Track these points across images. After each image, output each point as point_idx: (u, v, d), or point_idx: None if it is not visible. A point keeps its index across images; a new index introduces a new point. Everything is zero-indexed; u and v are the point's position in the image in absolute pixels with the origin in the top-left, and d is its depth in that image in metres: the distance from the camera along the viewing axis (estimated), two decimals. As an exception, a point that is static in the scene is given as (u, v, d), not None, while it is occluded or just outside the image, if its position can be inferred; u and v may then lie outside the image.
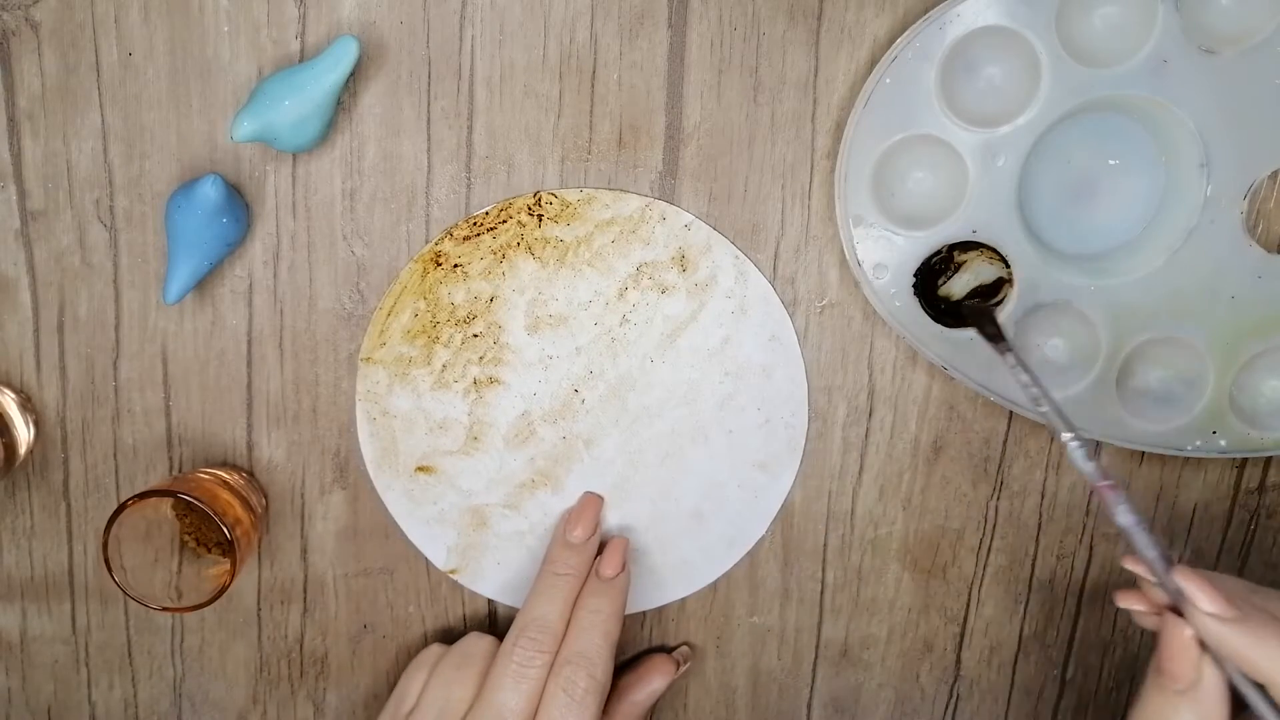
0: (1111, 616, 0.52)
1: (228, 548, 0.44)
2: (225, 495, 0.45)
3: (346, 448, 0.49)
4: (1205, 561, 0.51)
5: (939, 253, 0.45)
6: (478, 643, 0.47)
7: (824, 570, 0.51)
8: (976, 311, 0.46)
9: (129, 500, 0.43)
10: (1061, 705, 0.54)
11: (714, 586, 0.51)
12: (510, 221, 0.46)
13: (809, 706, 0.54)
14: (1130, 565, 0.41)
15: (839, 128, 0.45)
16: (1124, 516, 0.39)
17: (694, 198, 0.46)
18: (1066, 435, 0.40)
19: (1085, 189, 0.46)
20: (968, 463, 0.50)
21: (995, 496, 0.50)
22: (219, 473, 0.47)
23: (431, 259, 0.46)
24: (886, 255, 0.45)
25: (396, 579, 0.50)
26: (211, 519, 0.43)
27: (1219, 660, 0.38)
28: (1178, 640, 0.39)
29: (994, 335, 0.44)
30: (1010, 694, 0.54)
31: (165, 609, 0.44)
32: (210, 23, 0.44)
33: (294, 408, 0.48)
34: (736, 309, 0.47)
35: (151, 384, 0.47)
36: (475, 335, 0.47)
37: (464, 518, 0.49)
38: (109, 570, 0.43)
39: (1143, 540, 0.39)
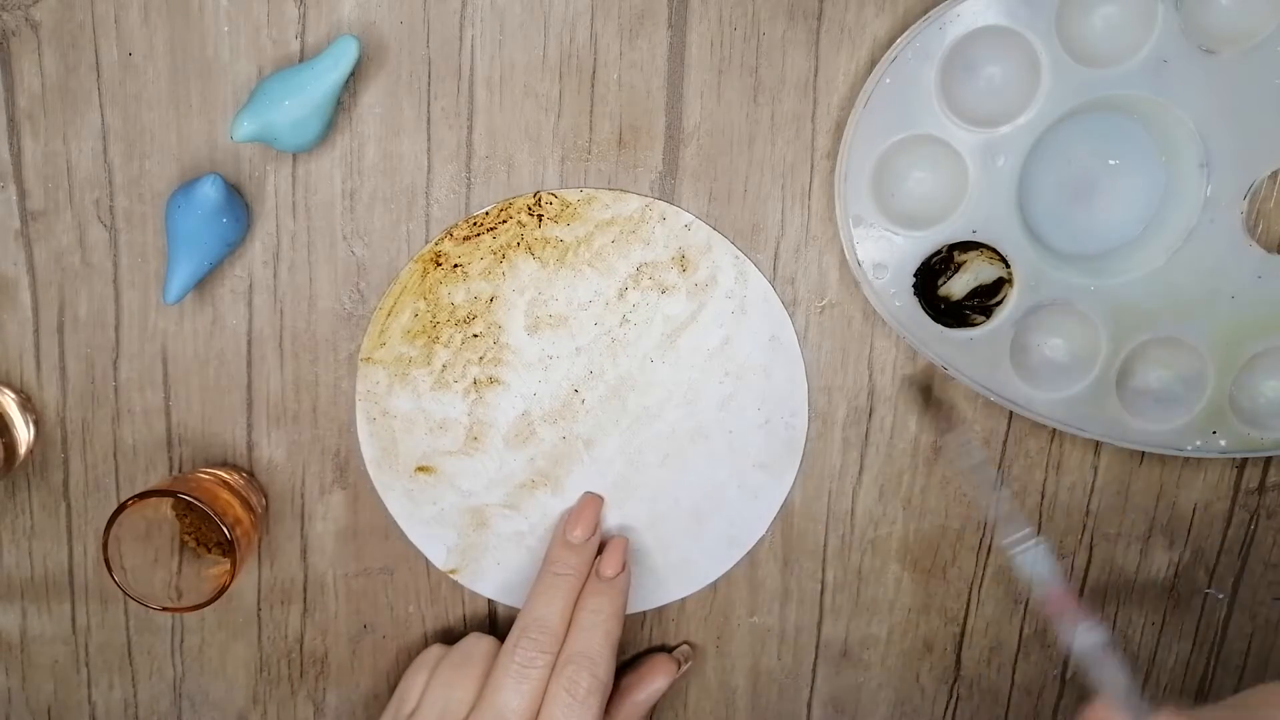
0: (1111, 616, 0.52)
1: (228, 548, 0.44)
2: (225, 495, 0.45)
3: (346, 448, 0.49)
4: (1205, 561, 0.51)
5: (939, 253, 0.45)
6: (478, 643, 0.47)
7: (824, 570, 0.51)
8: (924, 390, 0.42)
9: (129, 500, 0.43)
10: (1061, 705, 0.54)
11: (714, 586, 0.51)
12: (510, 221, 0.46)
13: (809, 706, 0.54)
14: (1100, 714, 0.32)
15: (839, 128, 0.45)
16: (1086, 637, 0.31)
17: (694, 198, 0.46)
18: (1016, 535, 0.31)
19: (1085, 189, 0.46)
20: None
21: (995, 497, 0.50)
22: (219, 473, 0.47)
23: (431, 259, 0.46)
24: (886, 255, 0.45)
25: (396, 579, 0.50)
26: (211, 519, 0.43)
27: None
28: None
29: (943, 413, 0.37)
30: (1010, 694, 0.54)
31: (165, 609, 0.44)
32: (210, 23, 0.44)
33: (294, 408, 0.48)
34: (736, 309, 0.47)
35: (151, 384, 0.47)
36: (475, 335, 0.47)
37: (464, 518, 0.49)
38: (109, 570, 0.43)
39: (1113, 673, 0.31)
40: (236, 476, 0.47)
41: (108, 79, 0.44)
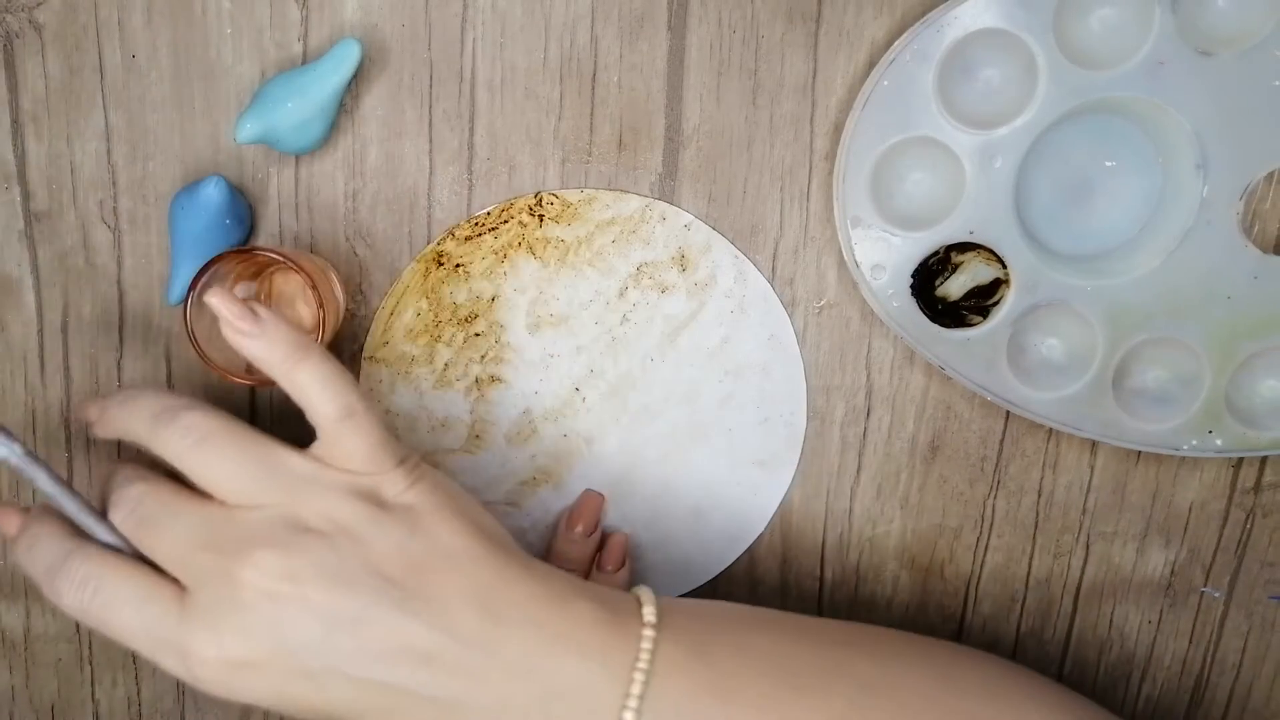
0: (1108, 615, 0.53)
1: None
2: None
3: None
4: (1201, 560, 0.52)
5: (936, 254, 0.45)
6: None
7: (822, 568, 0.51)
8: None
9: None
10: (1058, 702, 0.55)
11: (713, 584, 0.51)
12: (511, 222, 0.47)
13: (808, 703, 0.54)
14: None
15: (837, 130, 0.46)
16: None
17: (694, 199, 0.47)
18: None
19: (1082, 190, 0.46)
20: (965, 462, 0.50)
21: (992, 495, 0.50)
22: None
23: (434, 259, 0.47)
24: (884, 256, 0.45)
25: (398, 577, 0.51)
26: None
27: None
28: None
29: None
30: (1008, 691, 0.54)
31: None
32: (213, 25, 0.44)
33: (297, 407, 0.48)
34: (736, 308, 0.48)
35: (155, 384, 0.48)
36: (477, 334, 0.48)
37: (465, 516, 0.50)
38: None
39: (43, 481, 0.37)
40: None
41: (111, 81, 0.44)
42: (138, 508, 0.36)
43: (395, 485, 0.37)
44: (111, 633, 0.35)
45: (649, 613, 0.38)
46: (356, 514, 0.36)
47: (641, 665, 0.36)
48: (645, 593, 0.40)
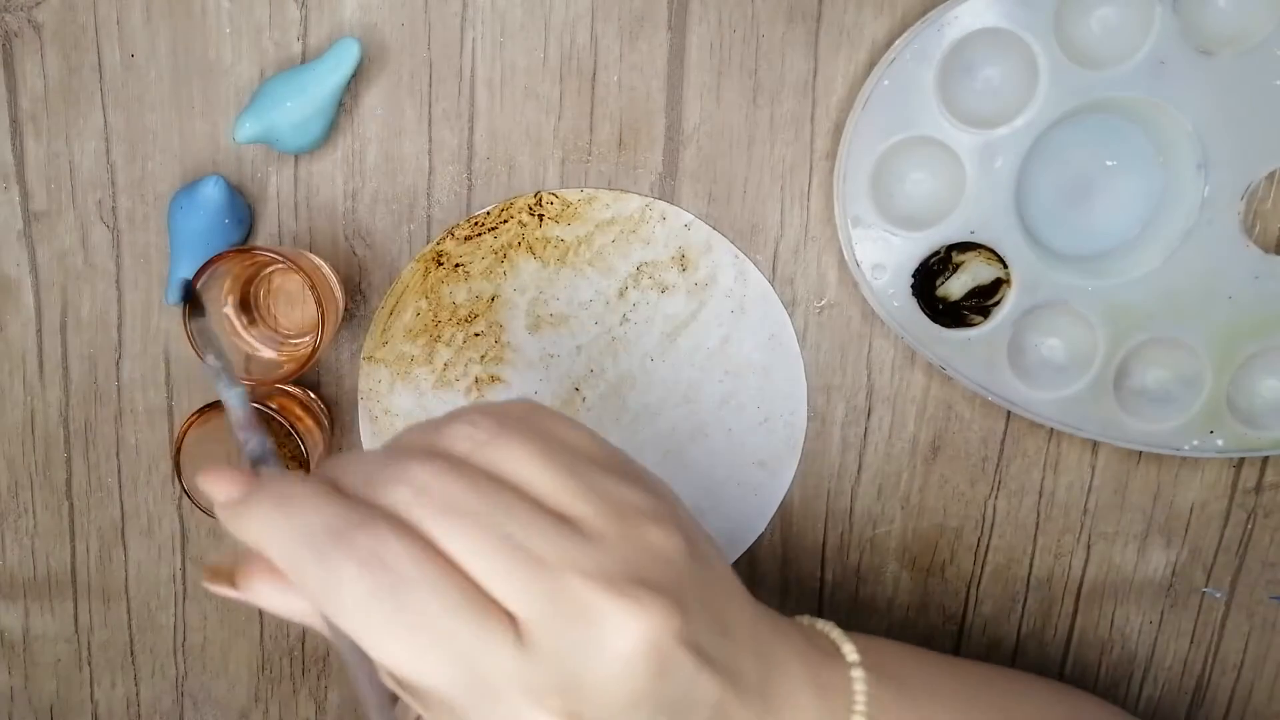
0: (1109, 615, 0.53)
1: (301, 462, 0.43)
2: (297, 409, 0.45)
3: (349, 446, 0.49)
4: (1202, 560, 0.52)
5: (937, 253, 0.45)
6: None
7: (823, 569, 0.51)
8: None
9: (200, 410, 0.42)
10: (1059, 703, 0.54)
11: (714, 585, 0.51)
12: (511, 221, 0.46)
13: (808, 704, 0.54)
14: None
15: (838, 129, 0.46)
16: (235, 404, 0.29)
17: (694, 198, 0.47)
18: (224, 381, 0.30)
19: (1083, 190, 0.46)
20: (965, 462, 0.50)
21: (993, 495, 0.50)
22: (288, 389, 0.46)
23: (433, 259, 0.47)
24: (885, 256, 0.45)
25: (398, 577, 0.51)
26: (282, 435, 0.42)
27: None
28: None
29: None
30: (1008, 692, 0.54)
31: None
32: (212, 24, 0.44)
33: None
34: (736, 308, 0.48)
35: (154, 384, 0.48)
36: (477, 334, 0.47)
37: (465, 517, 0.49)
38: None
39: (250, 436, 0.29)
40: (305, 393, 0.47)
41: (110, 80, 0.44)
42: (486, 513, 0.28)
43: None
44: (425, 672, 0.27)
45: (850, 650, 0.37)
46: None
47: (859, 707, 0.35)
48: (829, 626, 0.38)
